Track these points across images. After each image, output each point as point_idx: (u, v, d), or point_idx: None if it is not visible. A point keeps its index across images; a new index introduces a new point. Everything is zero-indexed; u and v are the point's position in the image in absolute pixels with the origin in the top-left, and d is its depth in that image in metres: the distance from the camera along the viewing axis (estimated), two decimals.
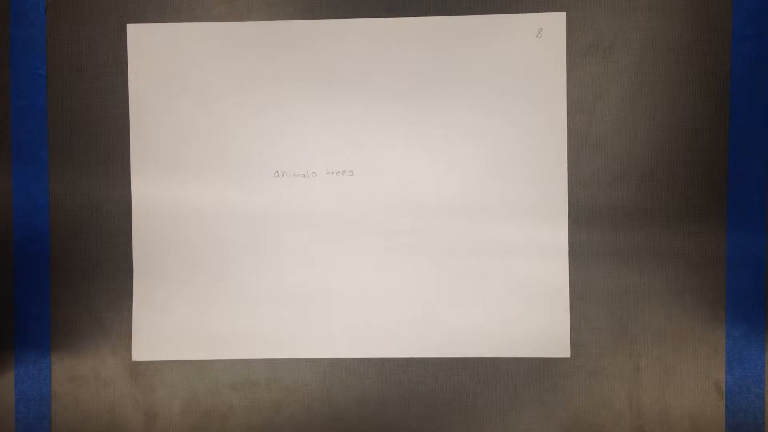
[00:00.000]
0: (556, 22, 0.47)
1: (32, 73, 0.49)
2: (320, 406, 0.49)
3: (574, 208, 0.48)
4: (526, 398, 0.48)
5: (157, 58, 0.48)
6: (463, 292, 0.48)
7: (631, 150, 0.48)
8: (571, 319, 0.48)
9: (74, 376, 0.49)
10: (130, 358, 0.49)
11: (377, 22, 0.48)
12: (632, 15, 0.47)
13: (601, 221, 0.48)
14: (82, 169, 0.49)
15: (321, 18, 0.48)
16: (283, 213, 0.48)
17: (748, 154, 0.47)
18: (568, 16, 0.47)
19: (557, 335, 0.48)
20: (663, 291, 0.48)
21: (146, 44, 0.48)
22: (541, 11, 0.47)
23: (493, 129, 0.47)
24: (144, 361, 0.49)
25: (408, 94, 0.48)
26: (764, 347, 0.47)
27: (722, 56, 0.47)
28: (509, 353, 0.48)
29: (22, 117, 0.49)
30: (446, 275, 0.48)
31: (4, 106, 0.49)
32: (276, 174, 0.48)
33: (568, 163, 0.48)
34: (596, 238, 0.48)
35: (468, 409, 0.48)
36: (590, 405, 0.48)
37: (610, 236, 0.48)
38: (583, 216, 0.48)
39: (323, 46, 0.48)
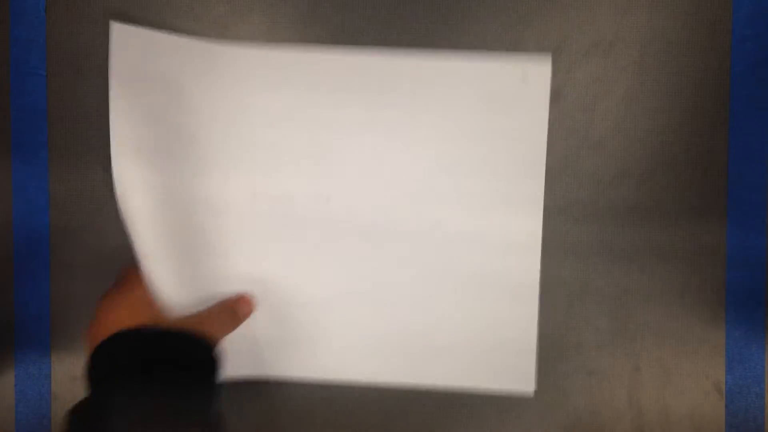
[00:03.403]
0: (540, 65, 0.47)
1: (32, 73, 0.49)
2: (320, 406, 0.49)
3: (574, 207, 0.48)
4: (526, 399, 0.48)
5: (140, 64, 0.47)
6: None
7: (631, 150, 0.48)
8: (570, 319, 0.48)
9: (74, 376, 0.49)
10: None
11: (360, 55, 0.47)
12: (632, 15, 0.47)
13: (601, 221, 0.48)
14: (82, 169, 0.49)
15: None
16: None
17: (748, 154, 0.47)
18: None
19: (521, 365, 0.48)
20: (663, 291, 0.48)
21: (131, 46, 0.47)
22: (527, 50, 0.47)
23: (474, 159, 0.48)
24: None
25: (387, 125, 0.48)
26: (764, 347, 0.47)
27: (722, 56, 0.47)
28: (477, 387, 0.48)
29: (22, 117, 0.49)
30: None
31: (4, 106, 0.49)
32: (253, 196, 0.48)
33: (569, 163, 0.48)
34: (596, 238, 0.48)
35: (468, 409, 0.48)
36: (590, 405, 0.48)
37: (610, 236, 0.48)
38: (583, 216, 0.48)
39: (308, 77, 0.47)
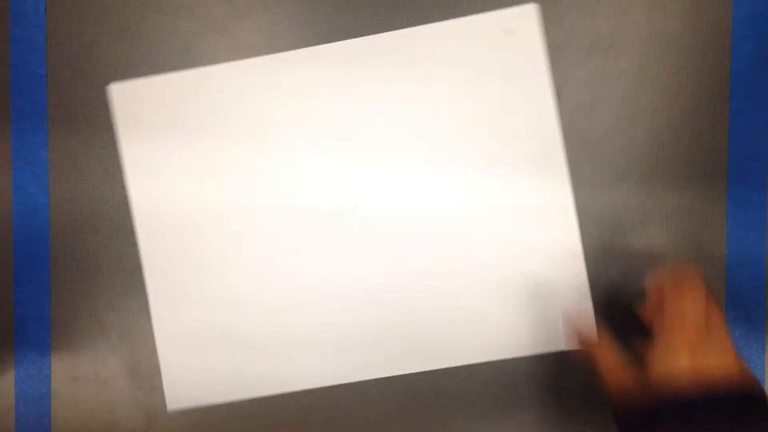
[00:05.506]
0: (526, 17, 0.47)
1: (32, 73, 0.49)
2: (320, 406, 0.49)
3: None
4: (526, 398, 0.48)
5: (144, 114, 0.48)
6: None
7: (631, 150, 0.48)
8: None
9: (74, 376, 0.49)
10: (130, 357, 0.49)
11: (358, 42, 0.48)
12: (632, 15, 0.47)
13: (601, 221, 0.48)
14: (82, 169, 0.49)
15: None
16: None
17: (748, 154, 0.47)
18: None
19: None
20: None
21: (132, 102, 0.48)
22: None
23: (486, 143, 0.47)
24: (144, 361, 0.49)
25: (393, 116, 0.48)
26: (764, 347, 0.47)
27: (722, 56, 0.47)
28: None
29: (22, 117, 0.49)
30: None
31: (4, 106, 0.49)
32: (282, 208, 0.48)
33: (569, 163, 0.48)
34: (595, 238, 0.48)
35: (468, 409, 0.48)
36: (590, 404, 0.48)
37: (609, 236, 0.48)
38: (583, 216, 0.48)
39: (305, 75, 0.48)
